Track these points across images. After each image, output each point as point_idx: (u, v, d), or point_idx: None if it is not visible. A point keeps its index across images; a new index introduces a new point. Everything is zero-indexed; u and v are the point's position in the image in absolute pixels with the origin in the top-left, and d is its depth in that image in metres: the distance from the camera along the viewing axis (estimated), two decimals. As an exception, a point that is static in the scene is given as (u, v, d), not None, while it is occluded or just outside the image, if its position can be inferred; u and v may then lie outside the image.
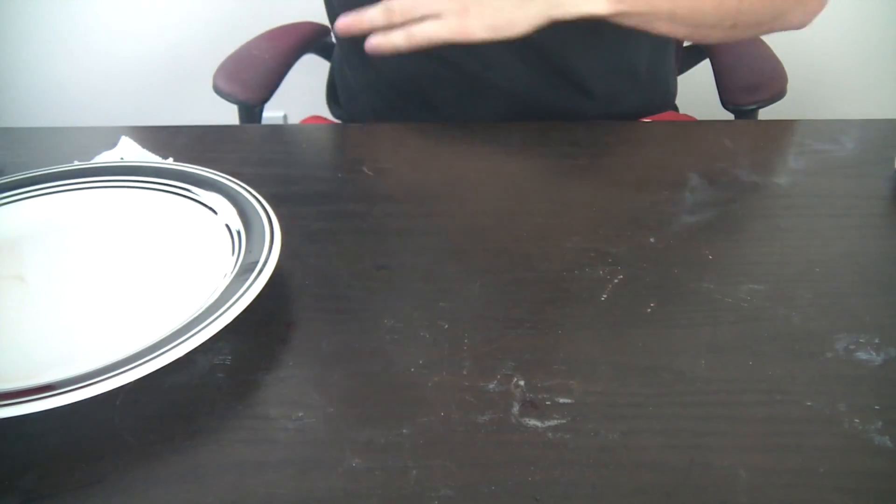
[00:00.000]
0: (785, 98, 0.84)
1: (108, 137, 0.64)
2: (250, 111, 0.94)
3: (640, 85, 0.82)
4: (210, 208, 0.51)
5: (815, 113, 1.63)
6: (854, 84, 1.62)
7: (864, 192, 0.56)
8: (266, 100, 0.94)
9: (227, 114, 0.97)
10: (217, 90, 0.92)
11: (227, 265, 0.46)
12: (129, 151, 0.62)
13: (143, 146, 0.63)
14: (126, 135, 0.64)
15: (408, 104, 0.82)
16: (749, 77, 0.86)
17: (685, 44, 1.05)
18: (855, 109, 1.63)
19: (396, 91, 0.82)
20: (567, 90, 0.78)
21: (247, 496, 0.35)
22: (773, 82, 0.83)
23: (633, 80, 0.81)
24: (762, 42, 0.93)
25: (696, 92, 1.01)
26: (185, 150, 0.64)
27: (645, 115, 0.85)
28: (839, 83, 1.62)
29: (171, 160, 0.63)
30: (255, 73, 0.95)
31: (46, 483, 0.36)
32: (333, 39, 0.92)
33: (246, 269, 0.44)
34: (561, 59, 0.75)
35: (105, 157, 0.62)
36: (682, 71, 1.06)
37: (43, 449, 0.37)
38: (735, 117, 0.85)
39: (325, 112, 1.02)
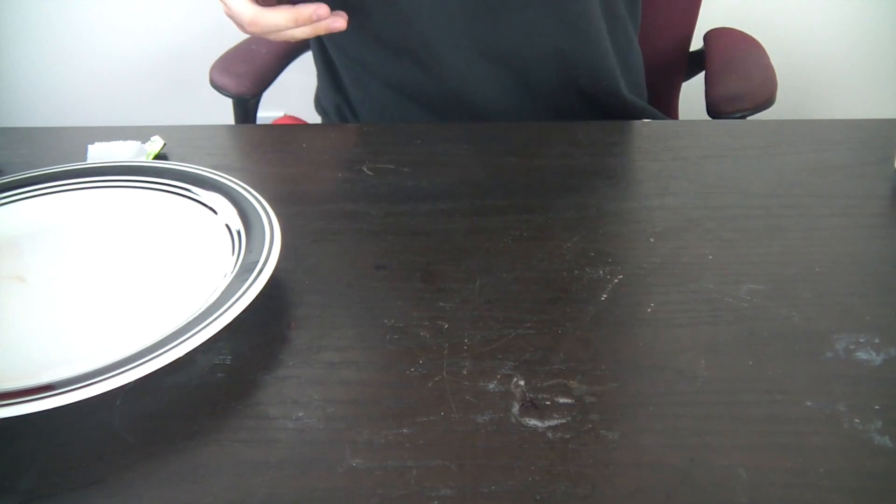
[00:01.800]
0: (784, 97, 0.83)
1: (108, 137, 0.64)
2: (244, 105, 0.94)
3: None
4: (210, 208, 0.51)
5: (815, 112, 1.63)
6: (853, 84, 1.62)
7: (864, 192, 0.56)
8: (258, 94, 0.94)
9: (229, 114, 0.97)
10: (212, 83, 0.93)
11: (227, 265, 0.46)
12: (104, 151, 0.62)
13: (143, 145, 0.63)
14: (126, 134, 0.64)
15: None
16: (736, 85, 0.84)
17: (691, 49, 1.04)
18: (854, 109, 1.63)
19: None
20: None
21: (247, 496, 0.35)
22: (760, 90, 0.81)
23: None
24: (759, 47, 0.92)
25: (699, 100, 1.01)
26: (185, 149, 0.64)
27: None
28: (838, 83, 1.62)
29: (156, 138, 0.63)
30: (250, 66, 0.95)
31: (46, 483, 0.36)
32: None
33: (246, 269, 0.44)
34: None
35: (95, 151, 0.62)
36: (685, 78, 1.06)
37: (43, 449, 0.37)
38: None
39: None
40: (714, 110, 0.82)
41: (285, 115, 1.01)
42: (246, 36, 1.02)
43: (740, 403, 0.39)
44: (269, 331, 0.44)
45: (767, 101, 0.81)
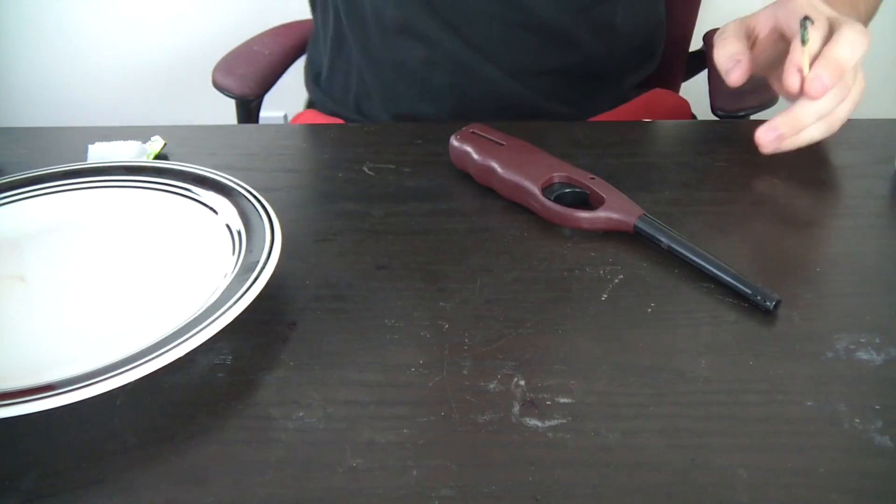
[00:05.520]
0: (783, 98, 0.83)
1: (108, 137, 0.64)
2: (246, 106, 0.94)
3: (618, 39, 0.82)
4: (210, 208, 0.51)
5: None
6: (854, 84, 1.62)
7: (864, 192, 0.56)
8: (261, 95, 0.94)
9: (229, 114, 0.97)
10: (215, 84, 0.93)
11: (227, 265, 0.46)
12: (104, 151, 0.62)
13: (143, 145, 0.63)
14: (126, 134, 0.64)
15: (404, 89, 0.82)
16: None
17: (690, 49, 1.04)
18: (855, 109, 1.63)
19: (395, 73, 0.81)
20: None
21: (247, 496, 0.35)
22: (766, 87, 0.82)
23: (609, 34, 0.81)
24: None
25: (698, 100, 1.01)
26: (186, 149, 0.64)
27: (628, 80, 0.86)
28: (839, 83, 1.62)
29: (156, 138, 0.63)
30: (253, 67, 0.96)
31: (46, 483, 0.36)
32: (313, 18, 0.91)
33: (246, 269, 0.44)
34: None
35: (95, 151, 0.62)
36: (685, 78, 1.06)
37: (43, 449, 0.37)
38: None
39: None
40: (720, 108, 0.82)
41: (306, 111, 0.98)
42: (246, 38, 1.02)
43: (740, 403, 0.39)
44: (269, 331, 0.44)
45: (772, 100, 0.81)
